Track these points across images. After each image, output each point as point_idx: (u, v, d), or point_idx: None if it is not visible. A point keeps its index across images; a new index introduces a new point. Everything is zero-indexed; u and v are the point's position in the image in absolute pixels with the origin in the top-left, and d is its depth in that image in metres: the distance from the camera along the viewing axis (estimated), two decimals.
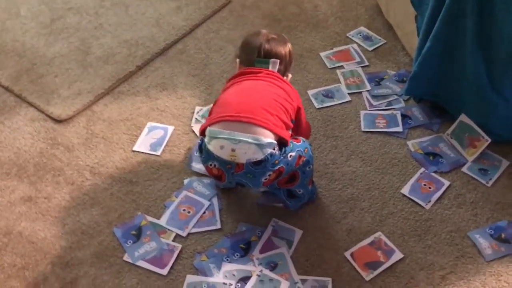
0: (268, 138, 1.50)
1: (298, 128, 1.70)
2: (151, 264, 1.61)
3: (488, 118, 1.83)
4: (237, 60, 1.75)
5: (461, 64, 1.81)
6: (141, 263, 1.61)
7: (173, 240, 1.66)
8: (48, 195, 1.80)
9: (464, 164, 1.85)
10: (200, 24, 2.41)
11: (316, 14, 2.45)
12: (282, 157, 1.52)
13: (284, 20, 2.42)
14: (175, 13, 2.46)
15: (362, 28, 2.37)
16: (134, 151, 1.92)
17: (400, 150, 1.90)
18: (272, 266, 1.59)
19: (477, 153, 1.85)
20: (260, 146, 1.48)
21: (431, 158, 1.87)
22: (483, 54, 1.75)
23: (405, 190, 1.79)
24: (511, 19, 1.64)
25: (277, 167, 1.52)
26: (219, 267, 1.59)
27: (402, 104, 2.05)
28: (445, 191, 1.78)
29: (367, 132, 1.96)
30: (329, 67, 2.20)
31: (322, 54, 2.26)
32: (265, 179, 1.54)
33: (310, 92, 2.10)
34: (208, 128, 1.55)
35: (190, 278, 1.57)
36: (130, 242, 1.66)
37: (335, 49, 2.28)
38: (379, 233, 1.68)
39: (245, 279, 1.56)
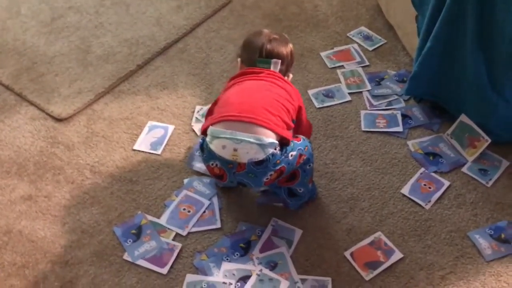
0: (270, 138, 1.50)
1: (299, 127, 1.70)
2: (151, 263, 1.61)
3: (488, 118, 1.84)
4: (238, 59, 1.74)
5: (462, 64, 1.82)
6: (141, 262, 1.61)
7: (173, 239, 1.66)
8: (48, 193, 1.80)
9: (464, 164, 1.85)
10: (200, 24, 2.41)
11: (317, 14, 2.45)
12: (283, 157, 1.52)
13: (285, 19, 2.42)
14: (175, 12, 2.46)
15: (362, 28, 2.37)
16: (134, 150, 1.92)
17: (400, 150, 1.90)
18: (272, 265, 1.59)
19: (477, 153, 1.85)
20: (262, 146, 1.48)
21: (431, 158, 1.87)
22: (483, 54, 1.75)
23: (405, 190, 1.79)
24: None
25: (278, 167, 1.52)
26: (219, 267, 1.59)
27: (402, 104, 2.05)
28: (445, 191, 1.78)
29: (367, 132, 1.96)
30: (330, 66, 2.20)
31: (323, 53, 2.26)
32: (267, 178, 1.54)
33: (311, 92, 2.10)
34: (210, 127, 1.55)
35: (190, 277, 1.57)
36: (130, 241, 1.66)
37: (335, 49, 2.28)
38: (379, 233, 1.68)
39: (245, 279, 1.56)
